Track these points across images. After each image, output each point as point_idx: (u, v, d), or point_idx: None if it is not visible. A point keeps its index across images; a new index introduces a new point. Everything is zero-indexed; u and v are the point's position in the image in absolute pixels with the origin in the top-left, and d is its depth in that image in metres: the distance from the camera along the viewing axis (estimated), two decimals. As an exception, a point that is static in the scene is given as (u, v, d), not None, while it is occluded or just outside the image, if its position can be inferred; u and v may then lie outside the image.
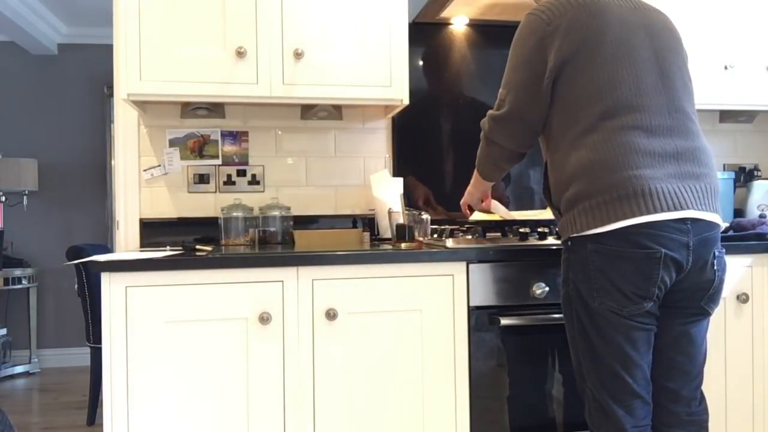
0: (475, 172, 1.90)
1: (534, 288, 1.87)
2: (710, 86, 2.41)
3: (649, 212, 1.44)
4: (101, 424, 1.69)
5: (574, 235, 1.53)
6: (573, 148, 1.54)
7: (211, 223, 2.34)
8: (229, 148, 2.39)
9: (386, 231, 2.26)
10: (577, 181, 1.51)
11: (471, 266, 1.86)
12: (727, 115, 2.76)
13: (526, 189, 2.62)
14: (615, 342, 1.51)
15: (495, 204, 2.12)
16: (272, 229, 2.31)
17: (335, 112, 2.36)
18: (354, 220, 2.47)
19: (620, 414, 1.52)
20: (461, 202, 2.07)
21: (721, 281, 1.55)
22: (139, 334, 1.69)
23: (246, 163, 2.40)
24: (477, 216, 2.11)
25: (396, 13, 2.15)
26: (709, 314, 1.58)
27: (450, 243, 1.91)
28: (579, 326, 1.57)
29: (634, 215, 1.44)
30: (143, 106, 2.26)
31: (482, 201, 2.07)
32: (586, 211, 1.49)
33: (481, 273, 1.86)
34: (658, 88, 1.55)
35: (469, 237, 1.99)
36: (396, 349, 1.83)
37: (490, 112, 1.72)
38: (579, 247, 1.53)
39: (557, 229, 1.65)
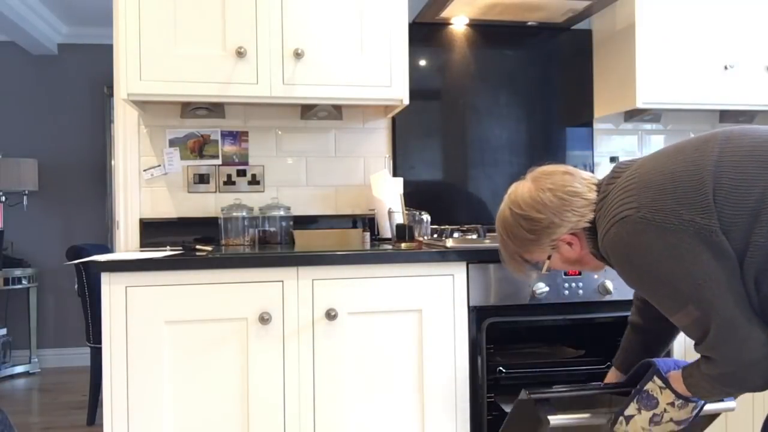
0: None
1: (534, 288, 1.87)
2: (710, 86, 2.41)
3: None
4: (101, 424, 1.69)
5: None
6: None
7: (211, 223, 2.34)
8: (229, 148, 2.39)
9: (386, 231, 2.26)
10: None
11: (471, 266, 1.86)
12: (727, 115, 2.75)
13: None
14: None
15: None
16: (272, 229, 2.31)
17: (335, 112, 2.36)
18: (354, 220, 2.47)
19: None
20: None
21: None
22: (139, 334, 1.69)
23: (246, 163, 2.40)
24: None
25: (396, 13, 2.15)
26: None
27: (450, 243, 1.91)
28: None
29: None
30: (143, 106, 2.26)
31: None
32: None
33: (481, 273, 1.86)
34: None
35: (469, 237, 1.99)
36: (396, 349, 1.83)
37: (703, 370, 1.25)
38: None
39: None
